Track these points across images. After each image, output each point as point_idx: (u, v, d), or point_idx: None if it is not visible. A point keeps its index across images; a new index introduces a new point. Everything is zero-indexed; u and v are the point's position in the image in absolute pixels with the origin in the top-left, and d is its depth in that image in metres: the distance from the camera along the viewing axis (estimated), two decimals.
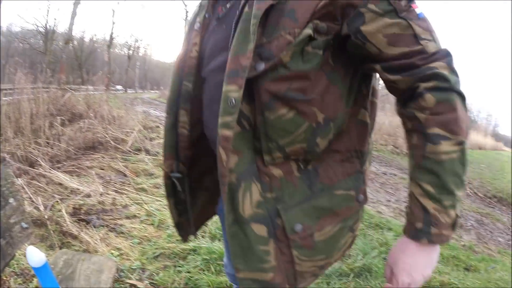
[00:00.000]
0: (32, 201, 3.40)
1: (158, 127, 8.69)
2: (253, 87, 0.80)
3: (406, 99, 0.81)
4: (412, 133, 0.82)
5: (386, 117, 15.19)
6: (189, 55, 0.98)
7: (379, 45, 0.77)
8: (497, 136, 66.37)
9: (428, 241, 0.79)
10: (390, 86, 0.83)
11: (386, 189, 6.51)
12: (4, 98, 8.66)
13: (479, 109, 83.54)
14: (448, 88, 0.75)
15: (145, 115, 10.24)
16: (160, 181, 4.47)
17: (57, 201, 3.40)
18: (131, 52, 48.21)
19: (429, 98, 0.75)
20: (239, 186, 0.84)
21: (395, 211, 5.10)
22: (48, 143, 5.52)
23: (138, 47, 51.41)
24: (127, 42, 49.27)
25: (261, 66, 0.77)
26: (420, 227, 0.79)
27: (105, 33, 41.26)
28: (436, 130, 0.75)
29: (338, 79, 0.84)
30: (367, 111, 0.93)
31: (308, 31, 0.76)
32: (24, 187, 3.64)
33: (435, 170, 0.77)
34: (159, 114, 12.10)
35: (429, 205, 0.78)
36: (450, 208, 0.77)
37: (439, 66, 0.75)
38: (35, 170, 4.22)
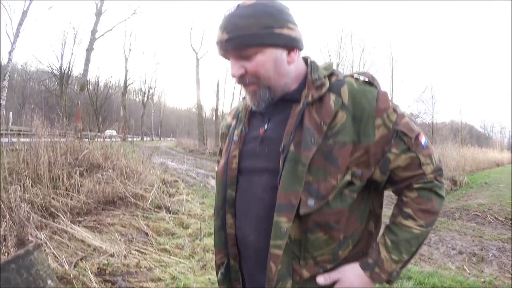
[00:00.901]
0: (56, 256, 3.58)
1: (176, 181, 8.93)
2: (300, 215, 1.07)
3: (401, 187, 1.18)
4: (395, 205, 1.21)
5: None
6: (230, 167, 1.23)
7: (396, 173, 1.14)
8: None
9: (369, 275, 1.14)
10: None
11: None
12: (22, 140, 9.08)
13: (492, 123, 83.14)
14: (430, 189, 1.14)
15: (163, 167, 10.52)
16: (182, 241, 4.62)
17: (81, 259, 3.57)
18: (145, 99, 49.84)
19: (414, 192, 1.15)
20: (278, 284, 1.11)
21: (415, 257, 4.99)
22: (67, 193, 5.77)
23: (153, 94, 53.13)
24: (141, 89, 51.08)
25: (312, 202, 1.06)
26: (370, 263, 1.15)
27: (119, 79, 42.91)
28: (409, 211, 1.15)
29: (359, 207, 1.16)
30: (373, 222, 1.24)
31: (348, 177, 1.07)
32: (47, 241, 3.83)
33: (397, 233, 1.15)
34: (177, 166, 12.43)
35: (383, 252, 1.15)
36: (394, 262, 1.14)
37: (429, 178, 1.14)
38: (56, 224, 4.42)
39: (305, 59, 1.24)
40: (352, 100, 1.08)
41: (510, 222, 7.49)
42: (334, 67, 1.23)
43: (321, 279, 1.13)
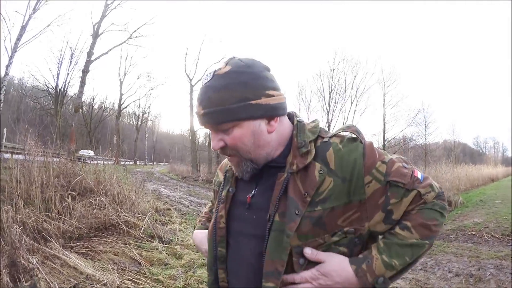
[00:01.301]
0: (48, 282, 3.55)
1: (169, 209, 8.89)
2: (295, 270, 1.11)
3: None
4: None
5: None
6: (218, 226, 1.26)
7: (399, 215, 1.15)
8: (506, 161, 65.24)
9: (355, 269, 1.10)
10: None
11: None
12: (15, 157, 9.04)
13: (485, 139, 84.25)
14: (431, 208, 1.14)
15: (156, 194, 10.49)
16: (175, 272, 4.59)
17: (74, 286, 3.53)
18: (139, 123, 49.96)
19: (415, 211, 1.14)
20: None
21: (411, 282, 5.00)
22: (59, 217, 5.74)
23: (146, 119, 53.28)
24: (135, 113, 51.22)
25: (303, 261, 1.10)
26: (359, 257, 1.12)
27: (113, 101, 43.11)
28: (407, 223, 1.13)
29: (351, 253, 1.16)
30: None
31: (336, 238, 1.10)
32: (39, 267, 3.80)
33: (390, 238, 1.13)
34: (170, 193, 12.37)
35: (374, 251, 1.12)
36: (384, 264, 1.10)
37: (431, 201, 1.15)
38: (49, 250, 4.38)
39: (291, 117, 1.26)
40: (339, 163, 1.11)
41: (507, 238, 7.47)
42: (321, 125, 1.26)
43: (308, 251, 1.10)
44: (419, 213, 1.13)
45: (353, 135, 1.16)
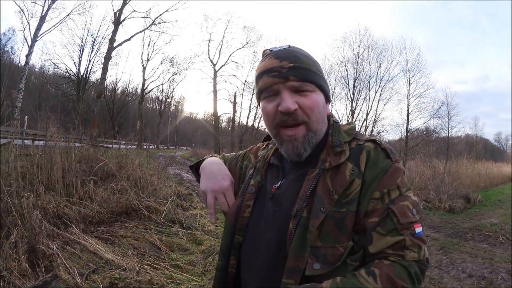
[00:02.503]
0: (67, 268, 3.59)
1: (191, 194, 8.93)
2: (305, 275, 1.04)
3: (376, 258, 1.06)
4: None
5: (417, 170, 15.37)
6: (242, 215, 1.23)
7: (374, 250, 1.06)
8: None
9: None
10: None
11: None
12: (36, 142, 9.21)
13: (507, 136, 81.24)
14: (405, 268, 1.00)
15: (178, 179, 10.54)
16: (195, 258, 4.60)
17: (93, 271, 3.56)
18: (162, 108, 50.40)
19: (388, 261, 1.02)
20: None
21: (425, 280, 4.92)
22: (80, 202, 5.81)
23: (170, 104, 53.71)
24: (158, 98, 51.62)
25: (318, 266, 1.02)
26: (305, 286, 1.00)
27: (136, 86, 43.47)
28: (375, 270, 1.00)
29: None
30: None
31: (351, 243, 1.04)
32: (58, 252, 3.84)
33: (350, 277, 0.99)
34: (192, 178, 12.41)
35: (325, 284, 0.98)
36: None
37: (410, 262, 1.02)
38: (68, 235, 4.43)
39: (328, 117, 1.25)
40: (369, 166, 1.10)
41: None
42: (357, 129, 1.24)
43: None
44: (392, 265, 1.01)
45: (386, 151, 1.13)
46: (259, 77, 1.16)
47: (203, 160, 1.54)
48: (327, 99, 1.20)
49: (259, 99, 1.22)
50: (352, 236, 1.05)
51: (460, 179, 15.66)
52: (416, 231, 1.05)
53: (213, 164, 1.43)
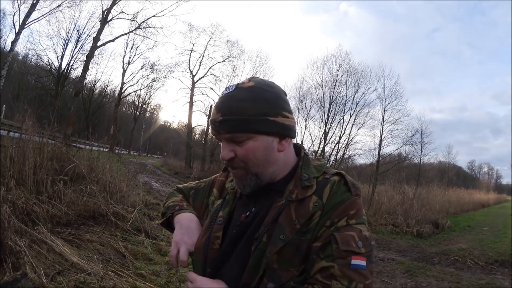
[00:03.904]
0: (34, 266, 3.63)
1: (158, 204, 8.96)
2: None
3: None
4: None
5: (386, 194, 15.56)
6: (211, 247, 1.24)
7: (312, 273, 1.10)
8: (499, 188, 66.35)
9: None
10: None
11: (382, 277, 6.55)
12: (12, 135, 9.08)
13: (480, 164, 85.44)
14: None
15: (147, 187, 10.54)
16: (159, 268, 4.68)
17: (58, 273, 3.62)
18: (137, 113, 49.96)
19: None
20: None
21: None
22: (49, 201, 5.81)
23: (145, 110, 53.27)
24: (134, 103, 51.16)
25: (271, 286, 1.08)
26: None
27: (115, 89, 43.01)
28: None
29: None
30: None
31: (303, 266, 1.10)
32: (25, 250, 3.88)
33: None
34: (160, 188, 12.43)
35: None
36: None
37: None
38: (36, 234, 4.46)
39: (298, 148, 1.32)
40: (328, 198, 1.14)
41: (491, 266, 7.62)
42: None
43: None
44: None
45: (348, 185, 1.18)
46: None
47: (171, 206, 1.51)
48: (284, 135, 1.20)
49: None
50: (304, 261, 1.10)
51: (430, 204, 15.91)
52: (353, 263, 1.04)
53: (191, 221, 1.40)
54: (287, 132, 1.19)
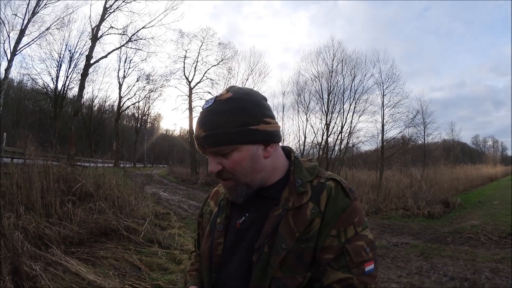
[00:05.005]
0: None
1: (168, 214, 9.00)
2: None
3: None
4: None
5: (394, 179, 15.46)
6: (215, 253, 1.28)
7: (325, 283, 1.12)
8: (506, 160, 65.21)
9: None
10: None
11: (397, 263, 6.48)
12: (15, 161, 9.12)
13: (485, 138, 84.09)
14: None
15: (155, 198, 10.56)
16: (175, 277, 4.69)
17: None
18: (138, 125, 50.08)
19: None
20: None
21: (406, 286, 5.05)
22: (60, 222, 5.84)
23: (146, 121, 53.39)
24: (134, 115, 51.27)
25: None
26: None
27: (113, 104, 43.14)
28: None
29: None
30: None
31: (309, 273, 1.11)
32: (42, 273, 3.90)
33: None
34: (169, 197, 12.45)
35: None
36: None
37: None
38: (50, 256, 4.48)
39: (288, 152, 1.33)
40: (327, 206, 1.15)
41: (505, 240, 7.53)
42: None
43: None
44: None
45: (346, 190, 1.19)
46: None
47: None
48: (268, 142, 1.20)
49: None
50: (310, 269, 1.12)
51: (438, 184, 15.76)
52: (366, 270, 1.10)
53: None
54: (271, 138, 1.20)
